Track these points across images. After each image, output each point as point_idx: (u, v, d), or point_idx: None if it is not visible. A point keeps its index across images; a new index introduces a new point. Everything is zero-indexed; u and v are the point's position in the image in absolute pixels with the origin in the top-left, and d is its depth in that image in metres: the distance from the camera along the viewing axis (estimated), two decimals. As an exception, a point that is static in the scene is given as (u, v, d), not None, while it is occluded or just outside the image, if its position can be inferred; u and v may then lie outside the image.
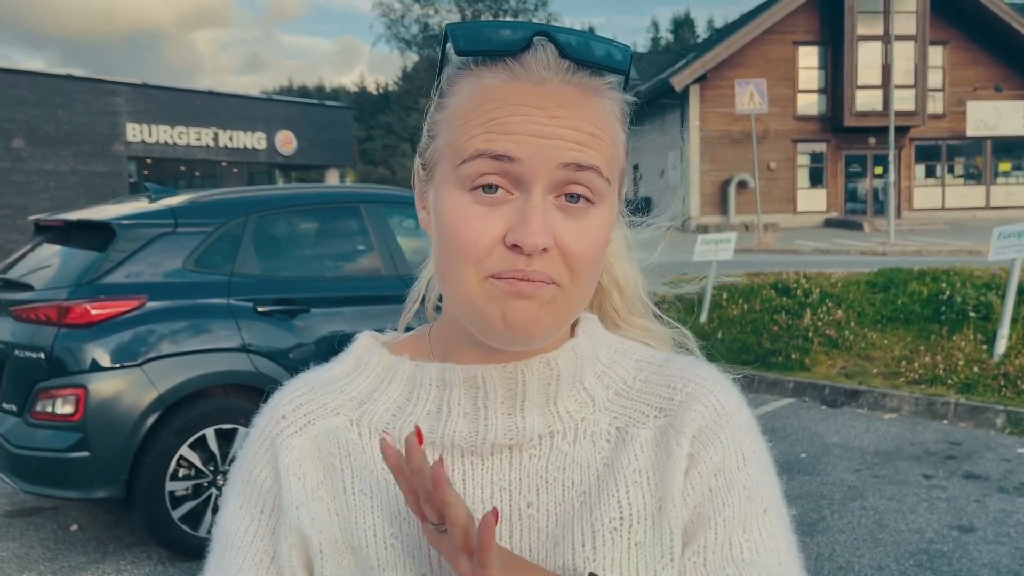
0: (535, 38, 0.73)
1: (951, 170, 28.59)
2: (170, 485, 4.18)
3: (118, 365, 4.10)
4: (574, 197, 0.72)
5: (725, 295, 9.83)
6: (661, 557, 0.76)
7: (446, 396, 0.80)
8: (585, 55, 0.73)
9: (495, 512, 0.61)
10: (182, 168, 24.97)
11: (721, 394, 0.81)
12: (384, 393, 0.83)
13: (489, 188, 0.71)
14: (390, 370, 0.84)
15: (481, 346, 0.78)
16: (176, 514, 4.19)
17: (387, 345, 0.88)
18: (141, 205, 4.70)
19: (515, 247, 0.70)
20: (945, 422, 6.56)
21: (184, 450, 4.22)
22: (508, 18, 44.78)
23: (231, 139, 23.96)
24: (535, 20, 45.54)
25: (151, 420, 4.11)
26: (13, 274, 4.71)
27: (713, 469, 0.78)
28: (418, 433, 0.63)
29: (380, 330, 0.93)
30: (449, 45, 0.75)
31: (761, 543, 0.76)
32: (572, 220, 0.72)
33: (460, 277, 0.73)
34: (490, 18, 44.06)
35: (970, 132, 27.96)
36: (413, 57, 48.94)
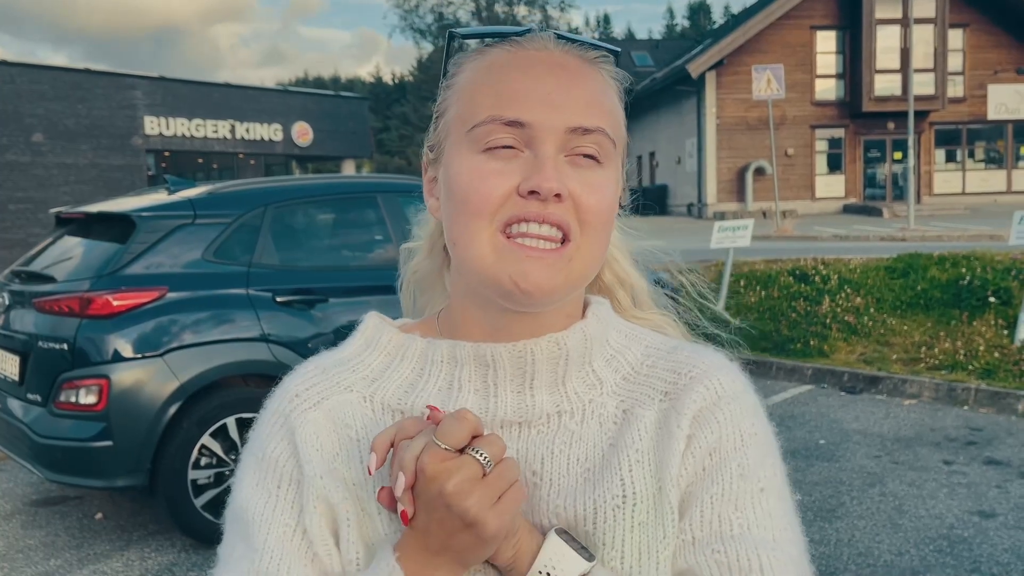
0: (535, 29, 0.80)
1: (972, 154, 28.27)
2: (192, 474, 4.23)
3: (140, 355, 4.14)
4: (585, 156, 0.76)
5: (743, 282, 9.79)
6: (663, 537, 0.77)
7: (457, 373, 0.81)
8: (579, 37, 0.80)
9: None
10: (200, 160, 25.07)
11: (724, 377, 0.81)
12: (396, 370, 0.84)
13: (502, 147, 0.75)
14: (401, 348, 0.85)
15: (489, 324, 0.80)
16: (198, 502, 4.24)
17: (396, 326, 0.90)
18: (160, 197, 4.74)
19: (531, 193, 0.74)
20: (966, 408, 6.52)
21: (205, 439, 4.27)
22: (523, 6, 44.76)
23: (248, 131, 24.05)
24: (549, 6, 45.57)
25: (173, 409, 4.16)
26: (35, 266, 4.77)
27: (708, 449, 0.78)
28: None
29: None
30: (455, 44, 0.82)
31: (754, 521, 0.76)
32: (582, 174, 0.76)
33: (473, 234, 0.75)
34: (504, 7, 44.06)
35: (991, 116, 27.62)
36: (428, 47, 48.90)
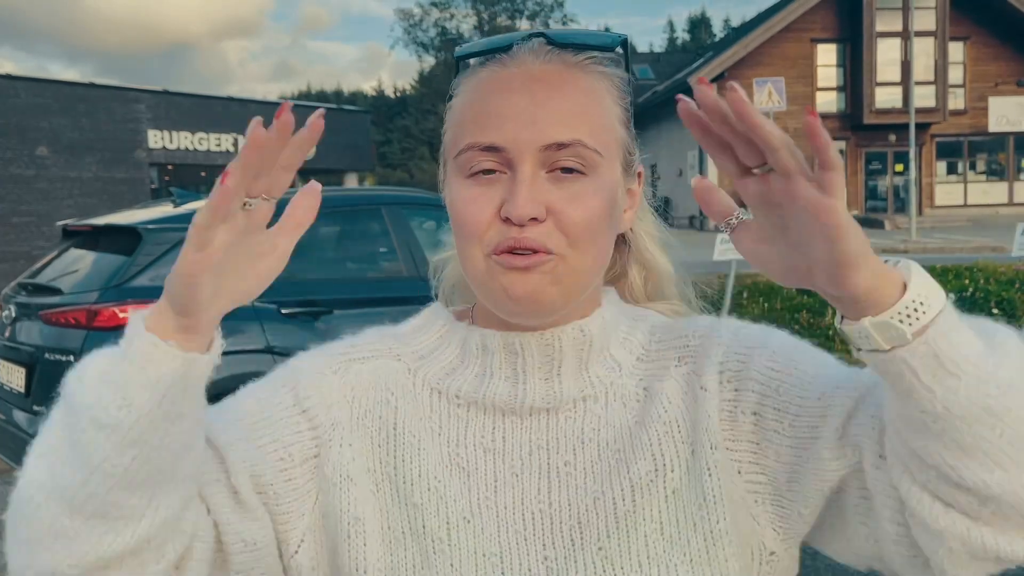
0: (528, 37, 0.81)
1: (973, 167, 28.31)
2: (197, 485, 4.22)
3: (146, 367, 4.14)
4: (567, 169, 0.77)
5: (745, 294, 9.80)
6: (703, 501, 0.78)
7: (489, 361, 0.84)
8: (568, 38, 0.81)
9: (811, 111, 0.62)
10: (203, 174, 25.11)
11: (729, 324, 0.85)
12: (442, 353, 0.88)
13: (484, 171, 0.78)
14: (449, 333, 0.89)
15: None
16: (203, 514, 4.24)
17: (453, 312, 0.94)
18: (167, 209, 4.77)
19: (507, 220, 0.76)
20: (970, 419, 6.50)
21: (211, 451, 4.26)
22: (525, 19, 44.89)
23: (251, 144, 24.12)
24: (551, 20, 45.63)
25: (178, 421, 4.16)
26: (42, 278, 4.78)
27: (747, 375, 0.80)
28: (701, 82, 0.68)
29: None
30: (459, 63, 0.85)
31: (811, 360, 0.80)
32: (564, 189, 0.77)
33: (469, 256, 0.79)
34: (507, 20, 44.22)
35: (992, 128, 27.67)
36: (430, 61, 49.11)
